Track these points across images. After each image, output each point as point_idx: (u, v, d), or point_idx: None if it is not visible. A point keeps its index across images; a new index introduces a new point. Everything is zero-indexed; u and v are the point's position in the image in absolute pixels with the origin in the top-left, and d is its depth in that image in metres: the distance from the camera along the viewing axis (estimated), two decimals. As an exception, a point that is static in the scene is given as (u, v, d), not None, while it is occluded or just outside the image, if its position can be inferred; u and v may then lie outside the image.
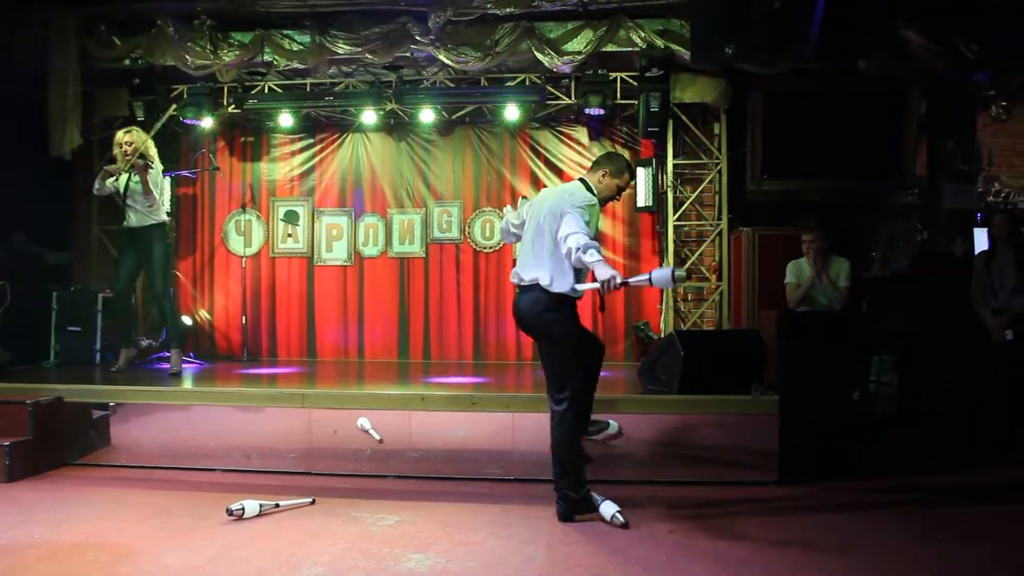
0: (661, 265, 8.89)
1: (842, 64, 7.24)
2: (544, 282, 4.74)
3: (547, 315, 4.77)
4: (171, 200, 8.73)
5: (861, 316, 7.03)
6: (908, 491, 5.58)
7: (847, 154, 8.31)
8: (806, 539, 4.52)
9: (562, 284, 4.71)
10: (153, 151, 7.11)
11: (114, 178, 7.02)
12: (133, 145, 6.98)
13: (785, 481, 5.63)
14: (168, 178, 7.84)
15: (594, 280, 4.41)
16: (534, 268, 4.81)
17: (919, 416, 7.18)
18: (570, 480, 4.80)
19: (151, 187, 6.97)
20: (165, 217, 7.21)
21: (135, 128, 7.33)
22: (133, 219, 7.06)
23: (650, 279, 4.44)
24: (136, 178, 6.97)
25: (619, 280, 4.33)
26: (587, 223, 4.59)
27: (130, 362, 7.42)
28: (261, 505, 4.94)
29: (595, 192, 4.89)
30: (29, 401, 6.04)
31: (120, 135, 7.09)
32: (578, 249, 4.42)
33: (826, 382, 5.92)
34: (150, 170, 6.94)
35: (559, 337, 4.79)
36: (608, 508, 4.73)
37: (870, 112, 8.31)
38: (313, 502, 5.19)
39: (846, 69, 7.45)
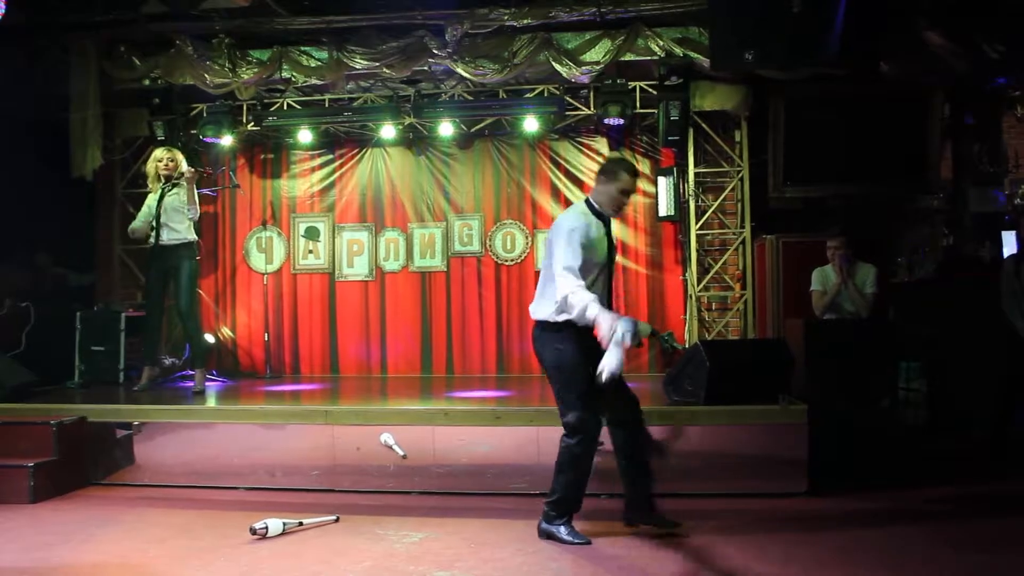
0: (684, 273, 8.84)
1: (864, 68, 7.16)
2: (532, 308, 4.77)
3: (538, 340, 4.76)
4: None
5: (888, 323, 6.93)
6: (940, 501, 5.46)
7: (870, 159, 8.20)
8: (839, 551, 4.43)
9: (541, 311, 4.67)
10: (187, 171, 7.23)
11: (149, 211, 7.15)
12: (175, 162, 7.17)
13: (815, 492, 5.55)
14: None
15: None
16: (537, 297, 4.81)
17: (949, 423, 7.07)
18: (553, 503, 4.72)
19: (194, 203, 7.11)
20: (195, 236, 7.28)
21: (174, 148, 7.52)
22: (164, 237, 7.09)
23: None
24: (174, 194, 7.07)
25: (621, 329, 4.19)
26: (576, 251, 4.45)
27: (153, 381, 7.44)
28: (285, 523, 4.91)
29: (598, 206, 4.70)
30: (53, 421, 6.05)
31: (160, 152, 7.25)
32: (581, 310, 4.34)
33: (854, 390, 5.86)
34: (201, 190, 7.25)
35: (547, 362, 4.71)
36: None
37: (893, 116, 8.21)
38: (337, 520, 5.16)
39: (868, 73, 7.37)
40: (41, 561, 4.43)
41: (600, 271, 4.62)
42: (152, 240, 7.16)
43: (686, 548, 4.52)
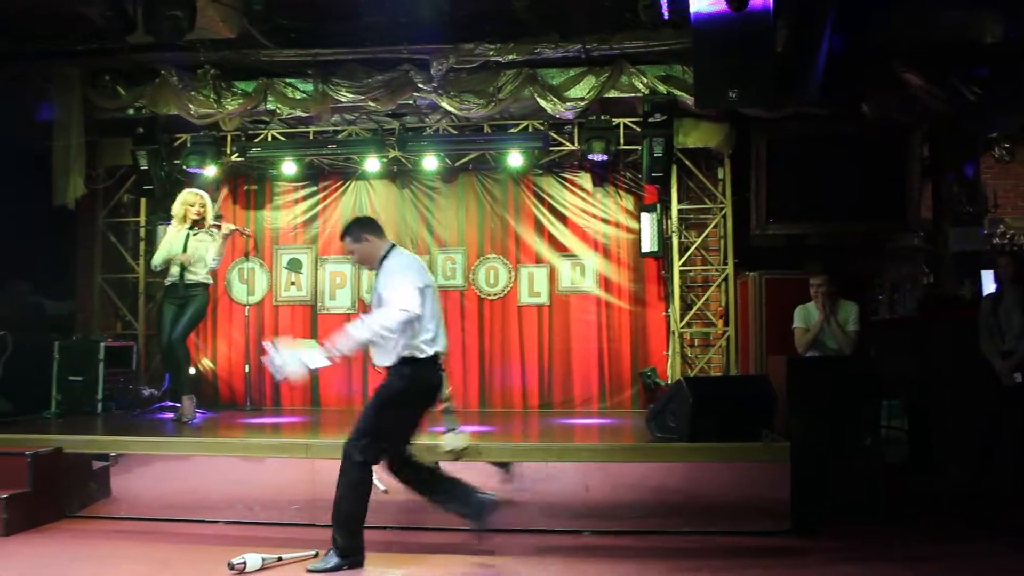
0: (667, 309, 8.85)
1: (845, 107, 7.25)
2: None
3: None
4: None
5: (871, 360, 6.96)
6: (921, 540, 5.46)
7: (851, 198, 8.28)
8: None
9: None
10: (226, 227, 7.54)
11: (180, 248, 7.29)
12: (204, 208, 7.40)
13: (798, 530, 5.52)
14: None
15: None
16: None
17: (930, 461, 7.08)
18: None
19: (221, 254, 7.47)
20: (211, 280, 7.51)
21: (202, 192, 7.60)
22: (185, 276, 7.27)
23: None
24: (201, 242, 7.30)
25: None
26: None
27: (194, 406, 7.43)
28: (263, 558, 4.84)
29: None
30: (28, 452, 5.95)
31: (191, 196, 7.42)
32: None
33: (837, 428, 5.85)
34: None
35: None
36: None
37: (873, 155, 8.30)
38: (316, 555, 5.07)
39: (849, 112, 7.46)
40: (13, 596, 4.35)
41: None
42: (173, 278, 7.29)
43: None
